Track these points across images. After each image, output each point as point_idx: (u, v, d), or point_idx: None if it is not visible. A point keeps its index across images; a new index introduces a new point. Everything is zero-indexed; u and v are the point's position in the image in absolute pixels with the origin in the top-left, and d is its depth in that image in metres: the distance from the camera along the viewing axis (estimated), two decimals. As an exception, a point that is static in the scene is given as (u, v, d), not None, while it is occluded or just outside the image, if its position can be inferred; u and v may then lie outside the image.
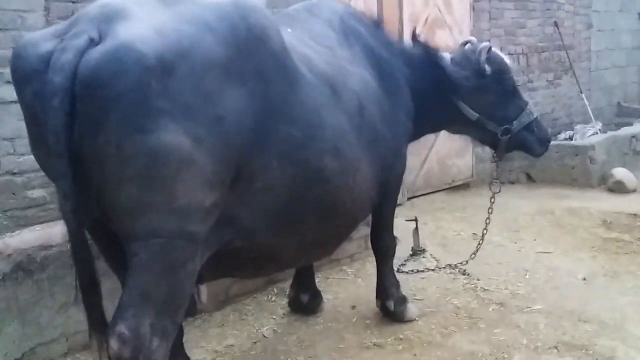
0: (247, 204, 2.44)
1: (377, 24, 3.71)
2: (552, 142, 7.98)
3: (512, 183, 8.00)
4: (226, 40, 2.27)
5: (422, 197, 7.09)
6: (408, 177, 6.94)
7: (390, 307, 3.85)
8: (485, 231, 4.56)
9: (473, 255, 4.70)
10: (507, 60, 3.92)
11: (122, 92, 2.01)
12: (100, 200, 2.14)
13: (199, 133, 2.14)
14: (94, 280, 2.15)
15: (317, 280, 4.55)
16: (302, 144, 2.53)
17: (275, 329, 3.86)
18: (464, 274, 4.68)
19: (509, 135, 3.85)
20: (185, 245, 2.17)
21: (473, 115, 3.76)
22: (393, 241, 3.84)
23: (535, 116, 3.97)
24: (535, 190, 7.52)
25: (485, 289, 4.43)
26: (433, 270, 4.83)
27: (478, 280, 4.58)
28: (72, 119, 2.02)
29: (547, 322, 3.89)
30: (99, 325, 2.18)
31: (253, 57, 2.36)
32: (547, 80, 8.70)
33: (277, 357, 3.49)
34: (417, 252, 5.12)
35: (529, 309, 4.08)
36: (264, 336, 3.76)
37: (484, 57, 3.73)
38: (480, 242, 4.62)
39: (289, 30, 3.07)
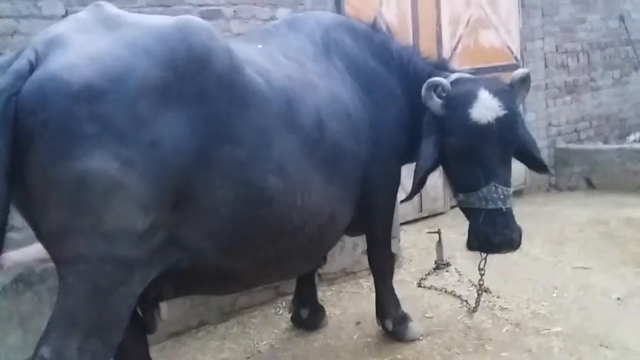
0: (191, 225, 2.42)
1: (374, 33, 3.58)
2: (614, 146, 7.54)
3: (571, 189, 7.57)
4: (163, 63, 2.27)
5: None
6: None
7: (388, 326, 3.73)
8: (480, 289, 4.00)
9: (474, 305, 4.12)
10: (482, 115, 3.04)
11: (46, 120, 2.06)
12: (36, 223, 2.21)
13: (130, 157, 2.15)
14: None
15: (328, 293, 4.53)
16: (245, 164, 2.49)
17: (273, 343, 3.84)
18: (485, 291, 4.42)
19: (457, 200, 3.36)
20: (114, 270, 2.18)
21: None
22: (388, 259, 3.71)
23: (489, 207, 3.08)
24: (593, 198, 7.06)
25: (503, 308, 4.18)
26: (453, 285, 4.61)
27: (498, 297, 4.34)
28: (12, 143, 2.09)
29: (564, 346, 3.62)
30: None
31: (193, 79, 2.34)
32: (613, 78, 8.13)
33: (265, 374, 3.47)
34: (440, 265, 4.93)
35: (547, 331, 3.82)
36: (259, 351, 3.74)
37: (424, 93, 3.15)
38: (479, 292, 4.04)
39: (259, 46, 3.05)
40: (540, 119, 7.55)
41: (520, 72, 3.30)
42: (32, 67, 2.13)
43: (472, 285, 4.50)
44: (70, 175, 2.08)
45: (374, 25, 3.64)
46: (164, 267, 2.43)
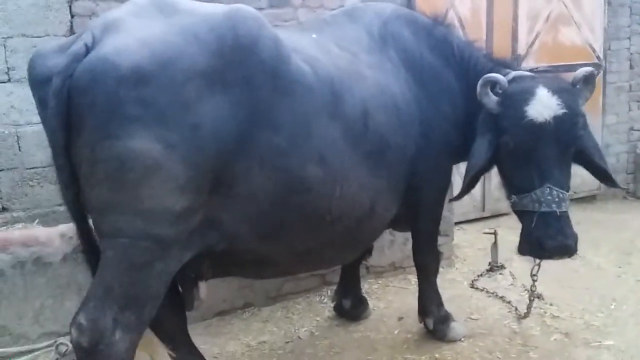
0: (229, 209, 2.49)
1: (435, 27, 3.51)
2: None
3: (649, 197, 7.15)
4: (211, 50, 2.34)
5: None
6: (495, 192, 6.52)
7: (429, 325, 3.69)
8: (532, 295, 3.83)
9: (525, 311, 3.95)
10: (538, 112, 2.93)
11: (94, 100, 2.18)
12: (83, 198, 2.35)
13: (171, 140, 2.24)
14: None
15: (375, 286, 4.53)
16: (284, 151, 2.52)
17: (313, 331, 3.88)
18: (538, 297, 4.27)
19: (510, 201, 3.20)
20: (150, 246, 2.28)
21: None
22: (433, 257, 3.65)
23: (543, 210, 2.94)
24: (673, 208, 6.64)
25: (555, 316, 4.04)
26: (505, 289, 4.49)
27: (550, 305, 4.19)
28: (68, 120, 2.24)
29: (613, 360, 3.46)
30: None
31: (239, 65, 2.40)
32: None
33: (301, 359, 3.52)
34: (494, 267, 4.80)
35: (598, 344, 3.66)
36: (299, 337, 3.80)
37: (480, 89, 3.08)
38: (531, 298, 3.87)
39: (314, 35, 3.07)
40: (622, 123, 7.15)
41: (583, 70, 3.14)
42: (88, 50, 2.25)
43: (525, 290, 4.35)
44: (114, 154, 2.19)
45: (436, 19, 3.57)
46: (201, 248, 2.51)
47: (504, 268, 4.82)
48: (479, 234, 5.57)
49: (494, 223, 6.14)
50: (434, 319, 3.67)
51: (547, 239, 2.97)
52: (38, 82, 2.34)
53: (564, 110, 2.95)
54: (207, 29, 2.38)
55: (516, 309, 4.08)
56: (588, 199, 7.04)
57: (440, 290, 4.40)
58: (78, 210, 2.35)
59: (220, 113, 2.34)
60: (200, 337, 3.81)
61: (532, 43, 6.43)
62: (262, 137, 2.48)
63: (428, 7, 5.66)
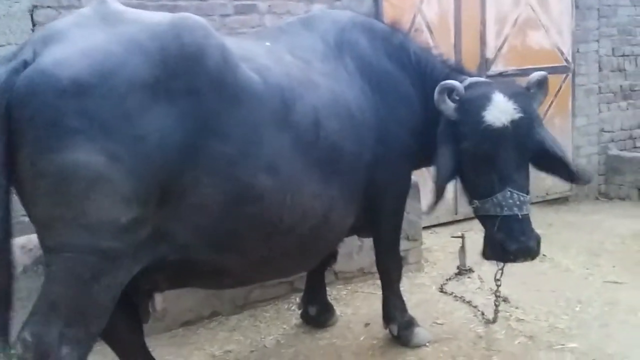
0: (179, 220, 2.47)
1: (393, 34, 3.53)
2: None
3: (621, 199, 7.24)
4: (154, 59, 2.32)
5: (506, 210, 6.59)
6: None
7: (393, 331, 3.70)
8: (497, 300, 3.87)
9: (492, 317, 3.99)
10: (496, 118, 2.97)
11: (34, 113, 2.15)
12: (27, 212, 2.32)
13: (115, 151, 2.22)
14: (7, 291, 2.31)
15: (343, 292, 4.54)
16: (233, 161, 2.51)
17: (280, 339, 3.87)
18: (504, 300, 4.30)
19: (471, 206, 3.26)
20: (96, 260, 2.26)
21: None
22: (395, 263, 3.67)
23: (505, 214, 2.98)
24: (643, 209, 6.72)
25: (519, 319, 4.06)
26: (472, 292, 4.51)
27: (516, 308, 4.22)
28: (7, 135, 2.21)
29: (576, 363, 3.49)
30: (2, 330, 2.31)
31: (184, 75, 2.39)
32: (677, 85, 7.67)
33: (265, 369, 3.51)
34: (462, 271, 4.83)
35: (561, 347, 3.68)
36: (265, 346, 3.79)
37: (437, 96, 3.12)
38: (496, 303, 3.91)
39: (267, 44, 3.07)
40: (592, 124, 7.24)
41: (537, 74, 3.20)
42: (27, 63, 2.22)
43: (493, 293, 4.37)
44: (56, 168, 2.16)
45: (394, 26, 3.59)
46: (152, 260, 2.48)
47: (473, 272, 4.84)
48: (450, 237, 5.58)
49: (467, 226, 6.16)
50: (397, 324, 3.68)
51: (509, 241, 3.02)
52: None
53: (521, 115, 3.00)
54: (151, 38, 2.36)
55: (483, 313, 4.10)
56: (560, 200, 7.11)
57: (408, 295, 4.45)
58: (5, 230, 2.27)
59: (165, 124, 2.33)
60: (164, 348, 3.80)
61: (501, 47, 6.49)
62: (210, 147, 2.46)
63: (395, 12, 5.75)
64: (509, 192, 2.99)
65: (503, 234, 3.03)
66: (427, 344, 3.72)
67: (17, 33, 4.15)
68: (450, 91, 3.15)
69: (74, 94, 2.17)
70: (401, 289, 4.50)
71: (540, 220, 6.26)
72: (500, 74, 6.41)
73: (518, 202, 3.00)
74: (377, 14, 5.80)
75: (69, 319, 2.26)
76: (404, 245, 4.71)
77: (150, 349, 3.69)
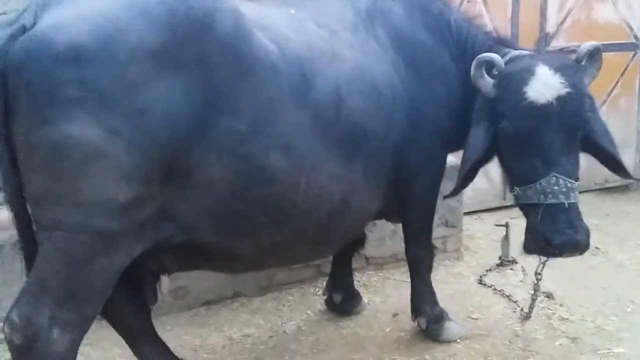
0: (185, 200, 2.31)
1: (432, 3, 3.21)
2: None
3: (689, 188, 6.65)
4: (160, 25, 2.15)
5: (561, 197, 6.16)
6: None
7: (421, 324, 3.46)
8: (535, 294, 3.58)
9: (526, 311, 3.70)
10: (539, 93, 2.65)
11: (30, 81, 2.02)
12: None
13: (115, 125, 2.06)
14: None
15: (374, 279, 4.33)
16: (244, 139, 2.31)
17: (301, 325, 3.70)
18: (547, 296, 3.99)
19: (512, 194, 2.95)
20: (91, 240, 2.12)
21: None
22: (426, 252, 3.39)
23: (549, 202, 2.67)
24: None
25: (563, 318, 3.74)
26: (514, 286, 4.20)
27: (560, 305, 3.89)
28: (5, 103, 2.08)
29: (622, 371, 3.17)
30: None
31: (192, 43, 2.20)
32: None
33: (282, 357, 3.34)
34: (504, 262, 4.51)
35: (607, 351, 3.36)
36: (285, 332, 3.63)
37: (474, 71, 2.81)
38: (534, 298, 3.62)
39: (292, 11, 2.83)
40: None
41: (587, 45, 2.82)
42: (26, 28, 2.08)
43: (535, 287, 4.06)
44: (50, 141, 2.03)
45: None
46: (155, 242, 2.34)
47: (516, 263, 4.50)
48: (495, 225, 5.24)
49: (516, 213, 5.71)
50: (426, 318, 3.44)
51: (554, 234, 2.69)
52: None
53: (568, 90, 2.67)
54: (158, 2, 2.18)
55: (522, 309, 3.80)
56: (620, 189, 6.60)
57: (443, 285, 4.20)
58: (18, 200, 2.17)
59: (171, 96, 2.15)
60: (183, 327, 3.71)
61: (563, 21, 6.01)
62: (220, 123, 2.27)
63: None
64: (554, 178, 2.67)
65: (547, 225, 2.71)
66: (458, 340, 3.47)
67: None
68: (489, 65, 2.84)
69: (71, 60, 2.01)
70: (436, 278, 4.28)
71: (597, 210, 5.88)
72: (562, 50, 5.94)
73: (564, 189, 2.67)
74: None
75: (61, 300, 2.13)
76: (441, 231, 4.49)
77: (168, 328, 3.65)
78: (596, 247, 4.86)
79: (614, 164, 2.97)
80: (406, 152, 3.01)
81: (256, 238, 2.57)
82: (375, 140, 2.79)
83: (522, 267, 4.46)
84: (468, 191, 5.73)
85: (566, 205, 2.68)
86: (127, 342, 2.82)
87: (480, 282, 4.30)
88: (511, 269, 4.48)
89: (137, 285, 2.68)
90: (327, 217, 2.65)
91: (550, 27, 5.95)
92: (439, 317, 3.46)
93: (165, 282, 2.71)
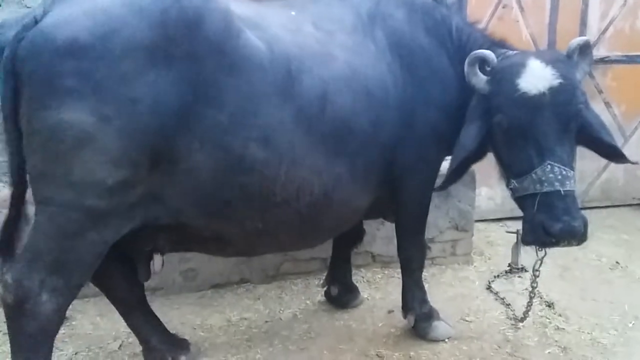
0: (172, 184, 2.51)
1: (435, 8, 3.29)
2: None
3: None
4: (154, 22, 2.35)
5: (594, 211, 6.00)
6: (580, 185, 6.05)
7: (410, 321, 3.53)
8: (531, 293, 3.51)
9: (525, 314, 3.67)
10: (532, 84, 2.73)
11: (32, 71, 2.27)
12: None
13: (106, 113, 2.28)
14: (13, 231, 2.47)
15: (378, 276, 4.43)
16: (226, 130, 2.49)
17: (297, 313, 3.85)
18: (548, 305, 3.97)
19: (509, 188, 2.97)
20: (80, 217, 2.35)
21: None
22: (417, 251, 3.46)
23: (545, 190, 2.71)
24: None
25: (559, 327, 3.72)
26: (517, 293, 4.19)
27: (559, 315, 3.86)
28: (15, 89, 2.35)
29: (607, 385, 3.15)
30: None
31: (183, 39, 2.39)
32: None
33: (271, 341, 3.50)
34: (513, 269, 4.50)
35: (597, 365, 3.34)
36: (280, 318, 3.79)
37: (467, 68, 2.92)
38: (529, 300, 3.58)
39: (292, 13, 2.99)
40: None
41: (577, 40, 2.88)
42: (36, 22, 2.33)
43: (540, 297, 4.06)
44: (46, 125, 2.27)
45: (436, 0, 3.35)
46: (144, 222, 2.55)
47: (525, 271, 4.49)
48: (505, 232, 5.22)
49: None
50: (415, 315, 3.51)
51: (551, 221, 2.70)
52: None
53: (560, 81, 2.73)
54: (151, 1, 2.38)
55: (514, 313, 3.81)
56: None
57: (447, 288, 4.27)
58: (20, 176, 2.42)
59: (161, 88, 2.36)
60: (189, 306, 3.93)
61: (605, 29, 5.87)
62: (205, 114, 2.46)
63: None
64: (549, 166, 2.71)
65: (543, 214, 2.72)
66: (446, 340, 3.52)
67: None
68: (481, 62, 2.92)
69: (70, 53, 2.24)
70: (441, 280, 4.39)
71: (629, 225, 5.75)
72: (602, 60, 5.84)
73: (560, 177, 2.70)
74: (460, -11, 5.48)
75: (51, 268, 2.38)
76: (451, 234, 4.55)
77: (176, 307, 3.90)
78: (616, 262, 4.78)
79: (612, 151, 2.98)
80: (398, 151, 3.10)
81: (240, 223, 2.74)
82: (363, 138, 2.90)
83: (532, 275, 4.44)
84: (496, 198, 5.75)
85: (562, 192, 2.71)
86: (120, 313, 3.05)
87: (489, 287, 4.31)
88: (519, 276, 4.47)
89: (130, 262, 2.91)
90: (307, 208, 2.79)
91: (592, 35, 5.81)
92: (428, 316, 3.52)
93: (158, 261, 2.91)
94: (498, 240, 5.32)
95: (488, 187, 5.61)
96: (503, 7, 5.54)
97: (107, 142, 2.30)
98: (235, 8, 2.64)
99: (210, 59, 2.45)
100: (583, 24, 5.80)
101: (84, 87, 2.26)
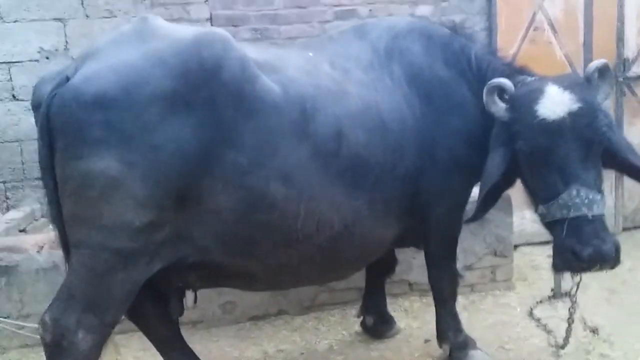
0: (197, 224, 2.62)
1: (453, 39, 3.33)
2: None
3: None
4: (175, 73, 2.49)
5: (645, 230, 5.81)
6: (629, 203, 5.88)
7: (445, 350, 3.50)
8: (570, 319, 3.47)
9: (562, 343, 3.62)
10: (550, 110, 2.74)
11: (63, 124, 2.44)
12: None
13: (132, 159, 2.42)
14: None
15: (416, 304, 4.42)
16: (247, 170, 2.59)
17: (334, 344, 3.88)
18: (593, 331, 3.85)
19: (538, 214, 2.96)
20: (111, 258, 2.48)
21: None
22: (448, 280, 3.45)
23: (572, 215, 2.69)
24: None
25: (603, 354, 3.62)
26: (560, 319, 4.07)
27: (604, 341, 3.75)
28: (50, 141, 2.54)
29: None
30: None
31: (202, 87, 2.52)
32: None
33: (307, 374, 3.55)
34: (556, 294, 4.38)
35: (640, 392, 3.22)
36: (316, 349, 3.82)
37: (486, 97, 2.95)
38: (568, 327, 3.52)
39: (310, 54, 3.10)
40: None
41: (595, 63, 2.87)
42: (68, 78, 2.51)
43: (584, 322, 3.94)
44: (77, 173, 2.43)
45: (456, 30, 3.39)
46: (172, 261, 2.66)
47: (568, 296, 4.36)
48: (547, 256, 5.08)
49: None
50: (450, 344, 3.48)
51: (579, 245, 2.69)
52: (35, 107, 2.66)
53: (579, 105, 2.73)
54: (174, 54, 2.53)
55: (556, 342, 3.71)
56: None
57: (487, 315, 4.21)
58: (59, 222, 2.58)
59: (182, 134, 2.48)
60: (228, 339, 4.03)
61: (645, 46, 5.74)
62: (225, 157, 2.57)
63: (511, 10, 5.40)
64: (575, 191, 2.70)
65: (572, 239, 2.70)
66: (482, 370, 3.47)
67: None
68: (500, 90, 2.95)
69: (97, 107, 2.40)
70: (481, 307, 4.34)
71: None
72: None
73: (586, 201, 2.68)
74: (490, 12, 5.49)
75: (85, 307, 2.51)
76: (490, 261, 4.50)
77: (215, 339, 4.00)
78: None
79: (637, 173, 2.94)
80: (421, 181, 3.12)
81: (263, 259, 2.82)
82: (381, 170, 2.95)
83: (575, 302, 4.32)
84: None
85: (590, 217, 2.68)
86: (157, 349, 3.16)
87: (530, 314, 4.23)
88: (563, 301, 4.33)
89: (164, 299, 3.03)
90: (328, 242, 2.84)
91: (630, 52, 5.71)
92: (463, 345, 3.48)
93: (190, 297, 3.03)
94: (543, 264, 5.17)
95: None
96: (534, 30, 5.51)
97: (133, 187, 2.43)
98: (254, 54, 2.76)
99: (228, 103, 2.56)
100: (620, 40, 5.68)
101: (111, 137, 2.41)
